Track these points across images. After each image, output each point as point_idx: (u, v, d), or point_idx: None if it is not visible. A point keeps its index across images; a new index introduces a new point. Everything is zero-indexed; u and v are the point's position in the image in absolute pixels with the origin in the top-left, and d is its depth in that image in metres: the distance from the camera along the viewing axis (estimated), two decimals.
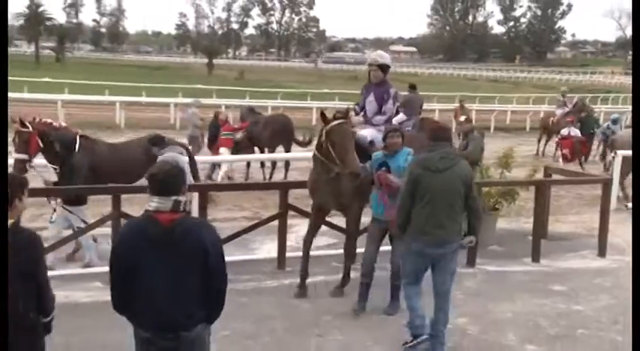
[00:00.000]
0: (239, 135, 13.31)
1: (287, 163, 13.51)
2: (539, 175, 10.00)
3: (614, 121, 17.34)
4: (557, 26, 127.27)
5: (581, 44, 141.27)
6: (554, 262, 8.57)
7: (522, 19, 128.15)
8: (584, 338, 6.07)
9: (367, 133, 6.92)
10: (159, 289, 3.42)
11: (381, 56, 7.26)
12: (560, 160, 16.49)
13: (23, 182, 3.84)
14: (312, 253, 6.85)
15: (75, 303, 6.33)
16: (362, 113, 7.20)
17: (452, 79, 73.38)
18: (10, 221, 3.58)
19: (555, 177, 10.42)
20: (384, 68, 7.13)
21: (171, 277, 3.43)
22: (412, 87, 15.52)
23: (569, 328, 6.27)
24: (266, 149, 13.81)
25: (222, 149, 13.01)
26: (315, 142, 6.89)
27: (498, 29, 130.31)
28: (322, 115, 6.35)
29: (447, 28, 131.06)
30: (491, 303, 6.82)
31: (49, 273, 3.88)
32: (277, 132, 13.70)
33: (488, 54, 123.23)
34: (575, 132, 16.72)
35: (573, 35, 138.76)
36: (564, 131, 16.95)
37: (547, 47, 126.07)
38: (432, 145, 5.43)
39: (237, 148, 13.15)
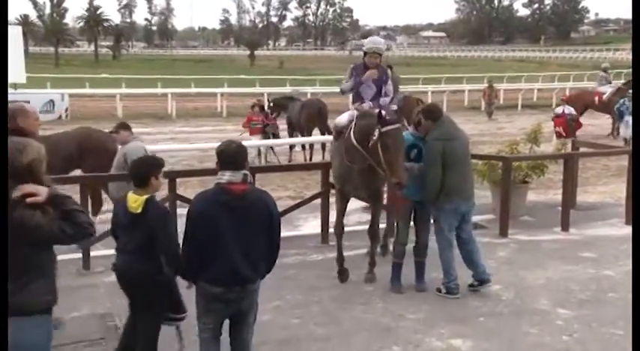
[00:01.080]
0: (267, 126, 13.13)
1: (323, 145, 13.45)
2: (567, 149, 9.78)
3: (629, 98, 16.31)
4: (580, 6, 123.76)
5: (604, 23, 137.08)
6: (583, 230, 8.40)
7: (546, 1, 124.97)
8: (613, 301, 5.95)
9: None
10: (234, 249, 3.71)
11: (381, 43, 6.85)
12: (554, 137, 15.10)
13: (158, 163, 4.23)
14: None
15: None
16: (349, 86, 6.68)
17: (480, 61, 72.12)
18: (145, 196, 4.01)
19: (582, 150, 10.18)
20: (381, 54, 6.76)
21: (243, 238, 3.73)
22: (389, 68, 15.49)
23: (599, 292, 6.16)
24: (305, 132, 13.83)
25: (252, 137, 12.96)
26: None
27: (523, 12, 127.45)
28: (379, 114, 5.82)
29: (474, 12, 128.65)
30: (524, 270, 6.73)
31: None
32: (312, 116, 13.68)
33: (514, 36, 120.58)
34: (570, 110, 15.61)
35: (596, 14, 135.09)
36: (558, 110, 15.86)
37: (571, 27, 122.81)
38: (438, 122, 5.93)
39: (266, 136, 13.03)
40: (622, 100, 16.71)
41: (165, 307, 4.23)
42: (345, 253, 6.58)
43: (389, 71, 6.82)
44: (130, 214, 4.03)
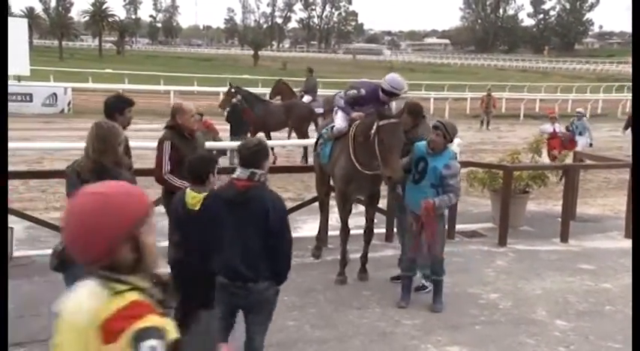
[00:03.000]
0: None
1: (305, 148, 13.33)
2: (569, 160, 9.77)
3: (579, 117, 15.21)
4: (585, 18, 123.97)
5: (608, 35, 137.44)
6: (582, 242, 8.39)
7: (551, 12, 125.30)
8: (610, 314, 5.94)
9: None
10: (230, 243, 3.77)
11: (405, 87, 6.28)
12: (547, 160, 12.66)
13: (214, 160, 4.51)
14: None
15: None
16: (343, 101, 6.46)
17: (483, 69, 72.14)
18: (203, 194, 4.12)
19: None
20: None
21: (239, 234, 3.74)
22: (310, 71, 15.90)
23: (597, 305, 6.14)
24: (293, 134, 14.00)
25: None
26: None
27: (528, 22, 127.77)
28: (379, 111, 5.82)
29: (479, 20, 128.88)
30: (522, 280, 6.71)
31: None
32: (304, 118, 13.90)
33: (518, 45, 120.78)
34: (560, 128, 13.81)
35: (601, 27, 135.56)
36: (546, 127, 13.72)
37: (575, 39, 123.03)
38: (418, 121, 6.11)
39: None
40: (572, 120, 15.45)
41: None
42: (339, 257, 6.57)
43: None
44: (187, 210, 4.13)
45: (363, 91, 6.36)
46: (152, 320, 1.67)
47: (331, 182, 7.01)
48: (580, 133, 14.64)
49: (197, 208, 4.08)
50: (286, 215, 3.89)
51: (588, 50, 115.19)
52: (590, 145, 13.51)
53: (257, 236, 3.72)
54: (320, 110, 14.22)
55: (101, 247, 1.68)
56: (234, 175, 3.83)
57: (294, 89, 16.01)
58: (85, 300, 1.71)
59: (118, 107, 5.05)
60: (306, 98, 15.11)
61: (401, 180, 5.68)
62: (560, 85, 40.46)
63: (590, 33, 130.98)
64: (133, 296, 1.71)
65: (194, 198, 4.15)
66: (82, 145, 4.47)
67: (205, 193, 4.13)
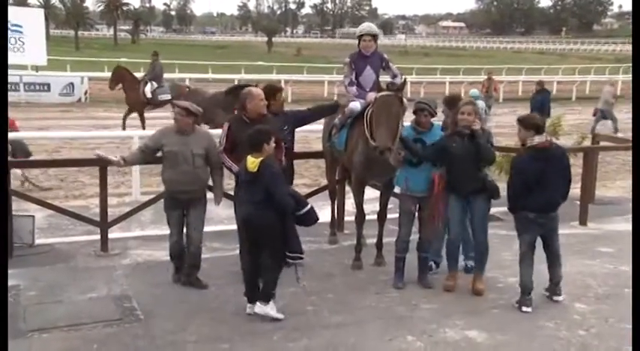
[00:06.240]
0: None
1: None
2: (587, 143, 9.66)
3: (482, 98, 14.48)
4: None
5: (628, 15, 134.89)
6: (602, 225, 8.32)
7: None
8: (630, 297, 5.87)
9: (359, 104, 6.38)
10: (550, 187, 5.35)
11: (372, 26, 6.83)
12: None
13: (269, 132, 5.10)
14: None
15: (157, 261, 6.52)
16: (354, 87, 6.53)
17: (499, 52, 71.37)
18: (260, 158, 4.96)
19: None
20: (376, 38, 6.65)
21: (546, 180, 5.32)
22: (155, 54, 15.70)
23: (617, 288, 6.08)
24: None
25: None
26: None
27: (545, 3, 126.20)
28: (377, 84, 5.95)
29: (495, 2, 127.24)
30: (541, 264, 6.62)
31: None
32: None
33: (535, 27, 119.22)
34: None
35: (620, 6, 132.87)
36: None
37: (593, 19, 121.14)
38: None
39: None
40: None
41: (282, 248, 5.06)
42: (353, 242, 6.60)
43: (385, 55, 6.67)
44: (249, 173, 4.98)
45: (347, 59, 6.67)
46: None
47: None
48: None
49: (256, 170, 4.92)
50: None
51: (607, 31, 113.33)
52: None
53: (560, 180, 5.36)
54: (166, 97, 14.13)
55: None
56: (535, 141, 5.31)
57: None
58: None
59: (270, 93, 6.16)
60: (149, 86, 14.75)
61: (384, 148, 5.56)
62: (578, 67, 39.95)
63: (609, 13, 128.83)
64: None
65: (253, 163, 4.96)
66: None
67: (262, 158, 4.93)
